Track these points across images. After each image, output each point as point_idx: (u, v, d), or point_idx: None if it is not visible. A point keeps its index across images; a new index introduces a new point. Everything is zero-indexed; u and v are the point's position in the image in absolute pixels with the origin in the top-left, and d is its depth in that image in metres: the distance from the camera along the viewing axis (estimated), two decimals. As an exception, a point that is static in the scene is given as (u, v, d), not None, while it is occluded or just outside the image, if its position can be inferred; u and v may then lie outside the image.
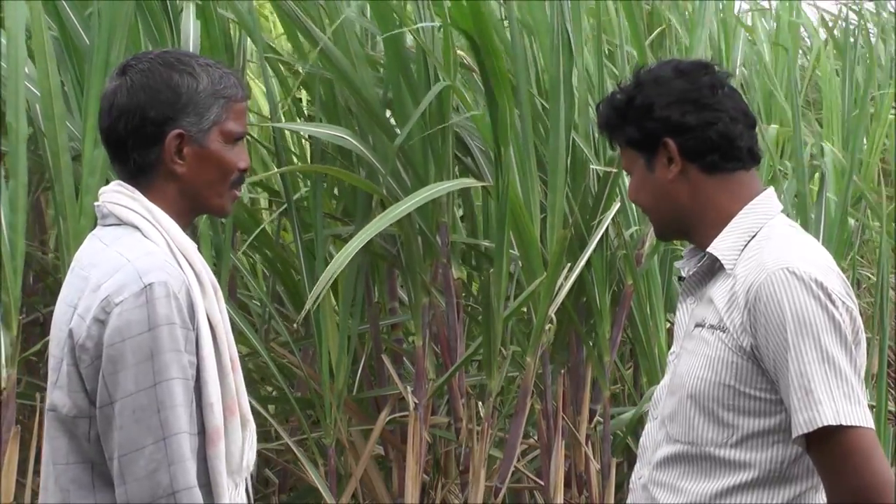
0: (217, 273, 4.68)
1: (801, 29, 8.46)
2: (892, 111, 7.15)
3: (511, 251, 5.08)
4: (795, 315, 2.50)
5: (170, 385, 2.40)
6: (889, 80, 7.36)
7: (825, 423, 2.48)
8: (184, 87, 2.53)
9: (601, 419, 5.45)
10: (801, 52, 8.53)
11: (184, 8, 4.70)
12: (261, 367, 5.72)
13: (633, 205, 5.30)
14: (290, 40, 5.43)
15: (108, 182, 2.81)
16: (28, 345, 5.09)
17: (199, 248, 4.44)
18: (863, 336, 2.59)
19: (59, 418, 2.47)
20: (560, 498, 5.14)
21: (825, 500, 2.57)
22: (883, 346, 5.96)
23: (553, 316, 5.03)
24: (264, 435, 5.48)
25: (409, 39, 5.07)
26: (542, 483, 5.26)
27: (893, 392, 7.25)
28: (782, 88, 7.03)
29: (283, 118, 5.31)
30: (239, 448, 2.51)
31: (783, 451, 2.57)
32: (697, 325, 2.64)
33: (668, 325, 5.89)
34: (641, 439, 2.76)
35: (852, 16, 8.35)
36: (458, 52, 5.05)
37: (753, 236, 2.63)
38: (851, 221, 6.76)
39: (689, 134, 2.63)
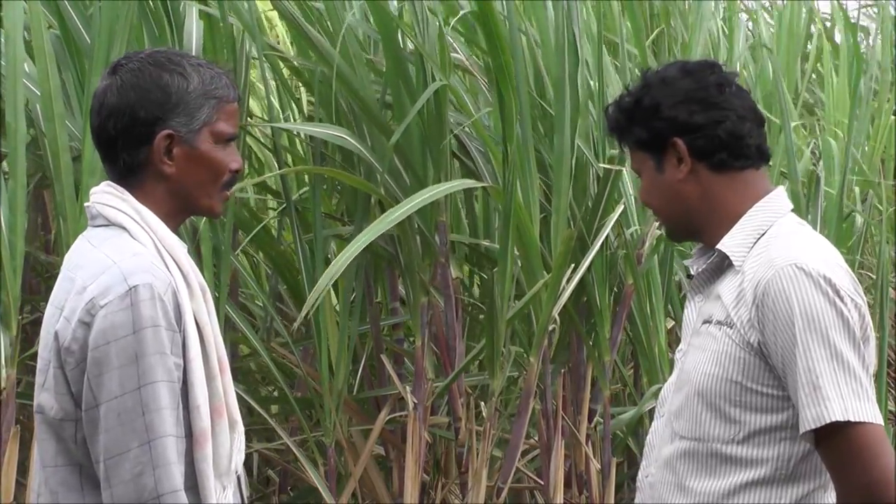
0: (217, 273, 4.69)
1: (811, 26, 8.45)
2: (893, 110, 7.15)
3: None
4: (804, 311, 2.50)
5: (155, 388, 2.39)
6: (889, 79, 7.35)
7: (833, 419, 2.48)
8: (174, 87, 2.52)
9: (601, 419, 5.45)
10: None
11: (186, 11, 4.69)
12: (263, 367, 5.73)
13: (633, 204, 5.32)
14: (294, 42, 5.44)
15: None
16: (30, 345, 5.10)
17: (199, 249, 4.49)
18: (871, 333, 2.59)
19: (47, 420, 2.47)
20: (560, 498, 5.14)
21: (834, 499, 2.56)
22: (883, 345, 5.96)
23: (556, 317, 5.04)
24: (264, 435, 5.49)
25: (411, 45, 5.08)
26: (542, 483, 5.27)
27: (893, 392, 7.25)
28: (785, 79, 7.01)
29: (281, 118, 5.32)
30: (227, 451, 2.51)
31: (791, 449, 2.56)
32: (705, 322, 2.65)
33: (671, 324, 5.90)
34: (648, 437, 2.76)
35: (852, 15, 8.33)
36: (453, 55, 5.06)
37: (763, 234, 2.63)
38: (858, 219, 6.75)
39: (697, 133, 2.64)
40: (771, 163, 5.94)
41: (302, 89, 5.82)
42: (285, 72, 5.55)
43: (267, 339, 5.47)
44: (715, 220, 2.67)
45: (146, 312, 2.40)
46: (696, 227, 2.70)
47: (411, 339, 5.53)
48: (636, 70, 5.63)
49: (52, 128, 4.38)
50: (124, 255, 2.46)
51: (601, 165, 5.24)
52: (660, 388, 2.86)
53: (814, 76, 8.16)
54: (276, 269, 5.55)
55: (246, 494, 2.66)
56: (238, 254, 5.43)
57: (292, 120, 5.73)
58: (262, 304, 5.68)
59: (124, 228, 2.51)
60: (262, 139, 5.82)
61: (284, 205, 5.21)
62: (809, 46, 8.44)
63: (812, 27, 8.38)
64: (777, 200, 2.68)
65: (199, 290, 2.52)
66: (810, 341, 2.49)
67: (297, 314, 4.97)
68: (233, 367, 4.04)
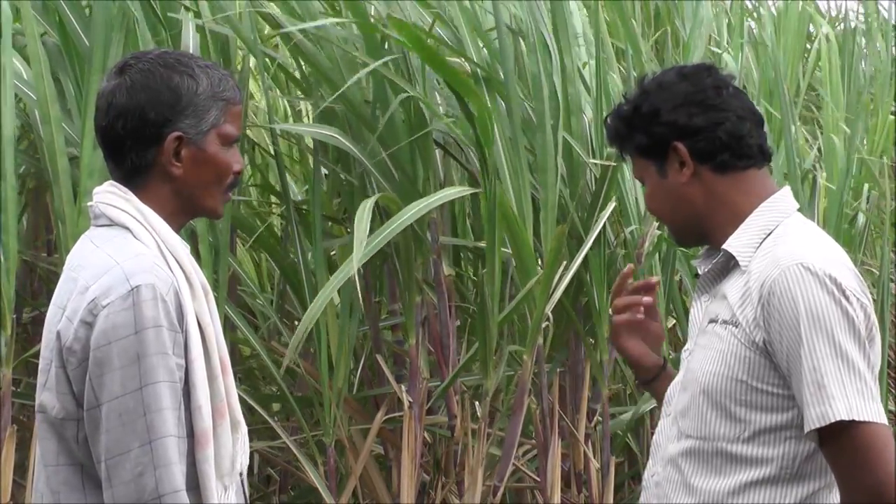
0: (216, 273, 4.69)
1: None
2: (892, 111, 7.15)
3: (507, 250, 5.09)
4: (809, 310, 2.50)
5: (156, 388, 2.39)
6: (889, 79, 7.36)
7: (838, 418, 2.47)
8: (184, 88, 2.51)
9: (601, 418, 5.46)
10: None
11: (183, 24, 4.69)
12: (264, 366, 5.74)
13: (633, 204, 5.33)
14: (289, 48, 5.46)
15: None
16: (31, 346, 5.11)
17: (199, 249, 4.49)
18: (877, 333, 2.59)
19: (48, 420, 2.47)
20: (557, 497, 5.15)
21: (839, 499, 2.56)
22: (884, 345, 5.96)
23: (549, 314, 5.04)
24: (265, 434, 5.49)
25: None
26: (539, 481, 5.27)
27: (893, 391, 7.25)
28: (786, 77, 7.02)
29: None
30: (229, 451, 2.50)
31: (796, 448, 2.56)
32: (711, 321, 2.65)
33: (672, 323, 5.91)
34: (654, 437, 2.76)
35: (852, 14, 8.34)
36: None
37: (769, 234, 2.63)
38: (861, 218, 6.76)
39: (698, 135, 2.64)
40: (771, 163, 5.99)
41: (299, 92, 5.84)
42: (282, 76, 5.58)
43: (268, 339, 5.47)
44: (721, 221, 2.67)
45: (148, 313, 2.40)
46: (704, 229, 2.70)
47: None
48: (643, 67, 5.65)
49: (49, 131, 4.39)
50: (127, 255, 2.46)
51: (593, 161, 5.25)
52: (659, 388, 2.86)
53: (817, 72, 8.16)
54: (280, 269, 5.55)
55: (247, 494, 2.66)
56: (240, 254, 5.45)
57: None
58: (262, 304, 5.69)
59: (127, 228, 2.51)
60: (261, 142, 5.83)
61: (284, 206, 5.22)
62: (809, 47, 8.46)
63: (811, 26, 8.40)
64: (783, 200, 2.68)
65: (202, 290, 2.51)
66: (815, 340, 2.49)
67: (300, 314, 4.98)
68: (234, 368, 4.05)
